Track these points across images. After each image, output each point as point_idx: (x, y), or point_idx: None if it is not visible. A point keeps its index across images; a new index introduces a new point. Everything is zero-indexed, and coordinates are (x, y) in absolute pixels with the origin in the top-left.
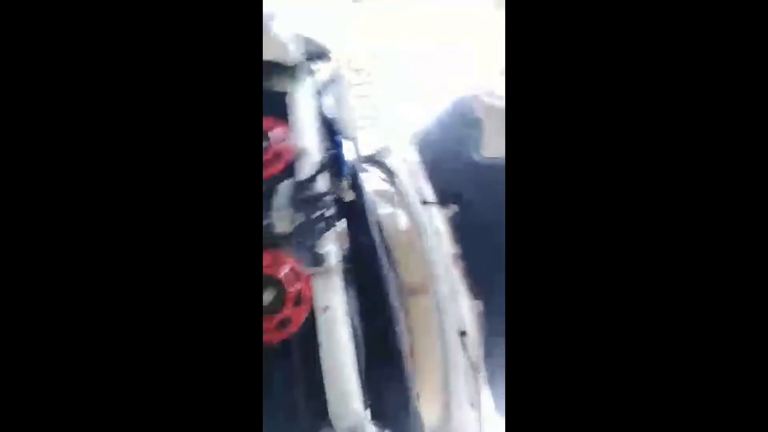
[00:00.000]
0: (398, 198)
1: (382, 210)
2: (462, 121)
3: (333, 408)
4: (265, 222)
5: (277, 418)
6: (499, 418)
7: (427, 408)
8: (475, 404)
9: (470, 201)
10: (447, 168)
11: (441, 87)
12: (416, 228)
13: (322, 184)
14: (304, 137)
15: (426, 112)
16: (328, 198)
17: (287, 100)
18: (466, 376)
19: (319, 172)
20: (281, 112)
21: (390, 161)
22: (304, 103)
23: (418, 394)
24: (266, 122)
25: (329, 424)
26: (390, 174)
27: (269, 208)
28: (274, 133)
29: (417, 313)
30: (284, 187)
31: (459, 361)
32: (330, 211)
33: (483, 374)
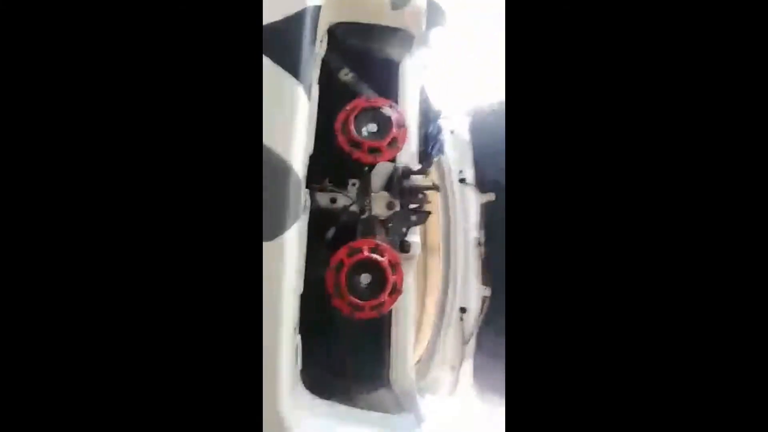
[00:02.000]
0: (436, 168)
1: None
2: None
3: (394, 374)
4: (364, 202)
5: (344, 378)
6: (472, 383)
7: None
8: (455, 368)
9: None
10: (496, 156)
11: None
12: (445, 203)
13: (420, 176)
14: (409, 119)
15: (493, 95)
16: (427, 192)
17: (399, 71)
18: (454, 344)
19: (426, 166)
20: (389, 86)
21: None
22: (412, 78)
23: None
24: (382, 102)
25: (388, 386)
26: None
27: (368, 189)
28: (396, 117)
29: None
30: (385, 171)
31: (452, 331)
32: (427, 205)
33: (470, 347)
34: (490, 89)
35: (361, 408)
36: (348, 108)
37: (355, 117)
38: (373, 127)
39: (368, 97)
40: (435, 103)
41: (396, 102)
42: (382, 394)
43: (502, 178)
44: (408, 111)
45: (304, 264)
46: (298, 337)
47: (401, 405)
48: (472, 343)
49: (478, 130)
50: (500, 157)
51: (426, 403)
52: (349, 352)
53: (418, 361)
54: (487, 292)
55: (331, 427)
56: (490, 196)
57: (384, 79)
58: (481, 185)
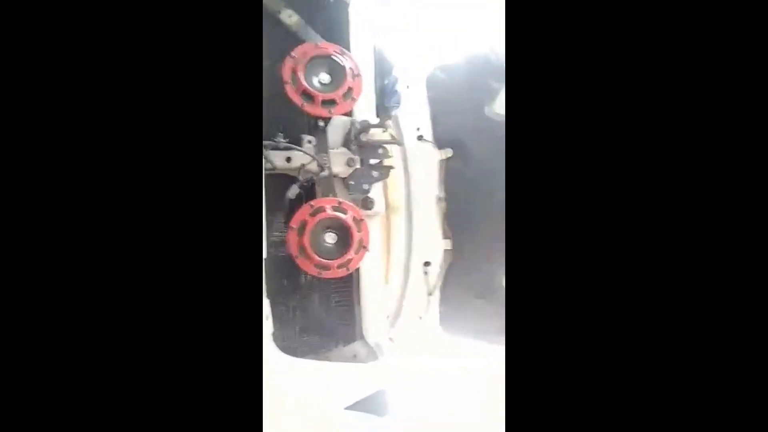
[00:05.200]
0: (393, 125)
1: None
2: (486, 69)
3: (366, 327)
4: (322, 160)
5: (317, 335)
6: (441, 329)
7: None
8: (423, 318)
9: (468, 150)
10: (454, 112)
11: (476, 29)
12: (405, 159)
13: (379, 130)
14: (363, 67)
15: (449, 48)
16: (387, 146)
17: (349, 12)
18: (420, 296)
19: (385, 119)
20: (338, 30)
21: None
22: (363, 20)
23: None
24: (333, 48)
25: (362, 339)
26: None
27: (325, 146)
28: (351, 66)
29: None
30: (342, 125)
31: (418, 284)
32: (388, 160)
33: (435, 297)
34: (446, 42)
35: (336, 361)
36: (294, 55)
37: (305, 65)
38: (325, 77)
39: (316, 42)
40: (388, 53)
41: (347, 48)
42: (356, 346)
43: (458, 133)
44: (362, 59)
45: (263, 227)
46: (267, 301)
47: (374, 354)
48: (437, 293)
49: (433, 85)
50: (456, 114)
51: (398, 349)
52: (320, 310)
53: (389, 317)
54: (448, 245)
55: (311, 383)
56: (448, 152)
57: (332, 21)
58: (439, 141)
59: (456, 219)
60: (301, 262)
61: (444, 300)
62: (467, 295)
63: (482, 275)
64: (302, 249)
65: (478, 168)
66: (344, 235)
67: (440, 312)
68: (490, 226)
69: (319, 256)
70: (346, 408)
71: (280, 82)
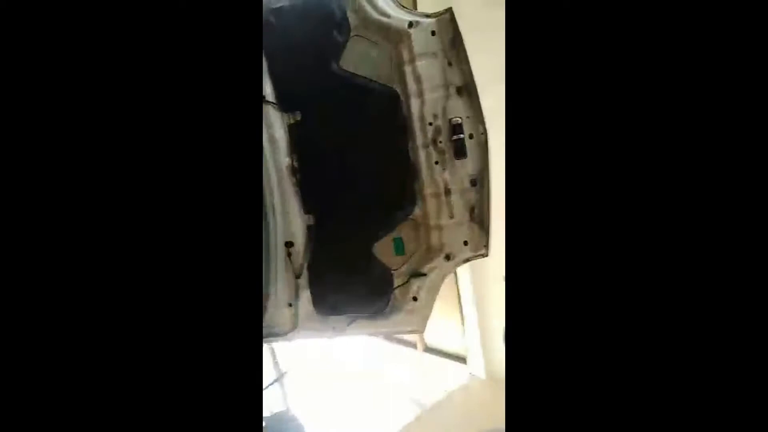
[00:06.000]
0: None
1: None
2: (325, 18)
3: None
4: None
5: None
6: (316, 314)
7: None
8: (293, 304)
9: (315, 111)
10: (294, 67)
11: None
12: None
13: None
14: None
15: None
16: None
17: None
18: (286, 280)
19: None
20: None
21: None
22: None
23: None
24: None
25: None
26: None
27: None
28: None
29: None
30: None
31: (281, 267)
32: None
33: (304, 279)
34: None
35: None
36: None
37: None
38: None
39: None
40: None
41: None
42: None
43: (304, 93)
44: None
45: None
46: None
47: None
48: (306, 274)
49: (269, 34)
50: (301, 68)
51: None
52: None
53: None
54: (311, 220)
55: None
56: (296, 116)
57: None
58: (283, 103)
59: (314, 189)
60: None
61: (314, 280)
62: (337, 271)
63: (349, 246)
64: None
65: (330, 131)
66: None
67: (311, 294)
68: (350, 194)
69: None
70: None
71: None
